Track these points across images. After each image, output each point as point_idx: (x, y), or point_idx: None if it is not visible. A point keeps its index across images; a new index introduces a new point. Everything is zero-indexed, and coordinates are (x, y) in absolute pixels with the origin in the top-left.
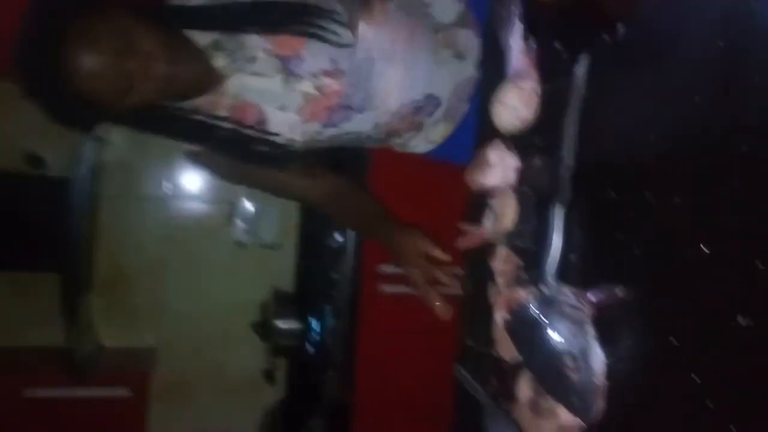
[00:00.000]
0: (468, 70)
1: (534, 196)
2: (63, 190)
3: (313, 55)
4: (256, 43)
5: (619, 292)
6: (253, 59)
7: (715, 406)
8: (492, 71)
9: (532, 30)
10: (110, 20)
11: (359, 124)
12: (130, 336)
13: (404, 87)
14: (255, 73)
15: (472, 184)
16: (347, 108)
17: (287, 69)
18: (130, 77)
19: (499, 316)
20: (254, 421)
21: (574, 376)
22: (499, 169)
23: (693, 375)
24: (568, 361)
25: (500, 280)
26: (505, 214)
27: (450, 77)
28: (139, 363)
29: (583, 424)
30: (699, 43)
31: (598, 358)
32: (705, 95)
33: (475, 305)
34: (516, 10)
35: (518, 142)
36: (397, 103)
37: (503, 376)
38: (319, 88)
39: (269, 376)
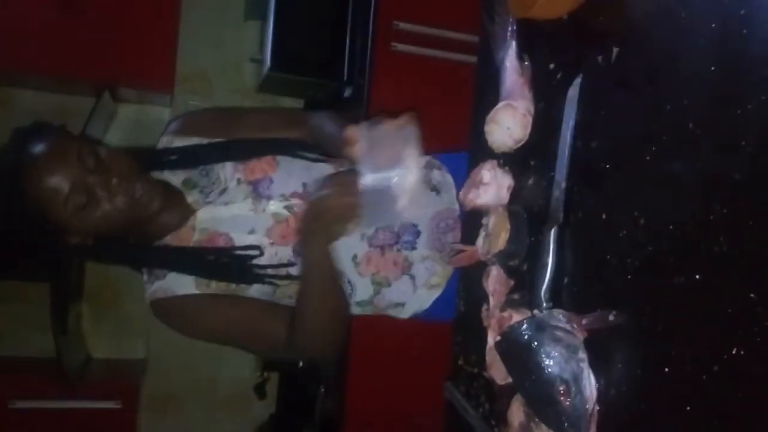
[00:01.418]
0: (445, 202)
1: (527, 216)
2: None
3: (284, 177)
4: (228, 174)
5: (612, 317)
6: (224, 190)
7: None
8: (486, 90)
9: (526, 50)
10: (79, 143)
11: (336, 257)
12: (120, 347)
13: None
14: (225, 203)
15: (466, 202)
16: None
17: (257, 191)
18: (91, 191)
19: (492, 338)
20: None
21: (566, 402)
22: (493, 187)
23: (686, 405)
24: (560, 387)
25: (493, 301)
26: (498, 233)
27: (426, 206)
28: (128, 374)
29: None
30: (692, 66)
31: (590, 384)
32: (698, 118)
33: (467, 325)
34: (510, 30)
35: (512, 162)
36: (371, 228)
37: (495, 399)
38: (288, 208)
39: (260, 390)
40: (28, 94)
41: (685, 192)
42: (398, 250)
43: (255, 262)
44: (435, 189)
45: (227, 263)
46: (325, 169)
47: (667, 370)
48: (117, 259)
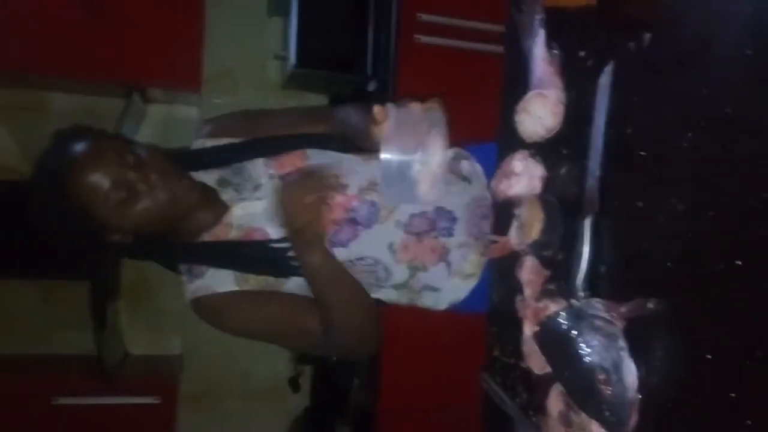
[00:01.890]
0: (477, 190)
1: (560, 206)
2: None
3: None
4: (261, 170)
5: (651, 304)
6: (258, 186)
7: (753, 423)
8: (515, 80)
9: (555, 38)
10: (118, 142)
11: (371, 246)
12: (157, 343)
13: None
14: (259, 198)
15: (498, 193)
16: (354, 223)
17: None
18: (131, 186)
19: (528, 328)
20: (280, 429)
21: (607, 391)
22: (525, 177)
23: (729, 391)
24: (600, 376)
25: (528, 291)
26: (531, 223)
27: (460, 194)
28: (166, 370)
29: None
30: (726, 51)
31: (630, 372)
32: (735, 102)
33: (502, 316)
34: (539, 18)
35: (544, 151)
36: (405, 215)
37: (533, 389)
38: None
39: (294, 383)
40: (60, 98)
41: (724, 178)
42: (435, 237)
43: (291, 254)
44: (465, 179)
45: (264, 256)
46: (355, 160)
47: (709, 357)
48: (157, 256)
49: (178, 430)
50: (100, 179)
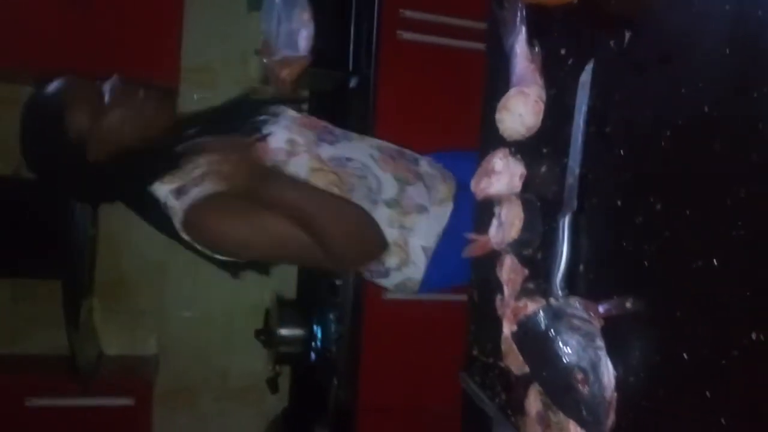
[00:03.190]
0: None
1: (540, 204)
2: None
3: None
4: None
5: (629, 303)
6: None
7: (728, 423)
8: (496, 78)
9: (536, 35)
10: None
11: (356, 152)
12: (132, 343)
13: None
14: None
15: (478, 191)
16: (332, 133)
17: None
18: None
19: (507, 327)
20: (257, 429)
21: (584, 390)
22: (505, 176)
23: (705, 390)
24: (578, 375)
25: (507, 290)
26: (511, 222)
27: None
28: (141, 370)
29: None
30: (704, 51)
31: (608, 372)
32: (713, 102)
33: (482, 315)
34: (520, 15)
35: (524, 150)
36: (374, 142)
37: (511, 388)
38: (302, 115)
39: (272, 383)
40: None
41: (701, 176)
42: (406, 163)
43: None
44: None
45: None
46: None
47: (685, 356)
48: (145, 167)
49: (154, 431)
50: (84, 92)
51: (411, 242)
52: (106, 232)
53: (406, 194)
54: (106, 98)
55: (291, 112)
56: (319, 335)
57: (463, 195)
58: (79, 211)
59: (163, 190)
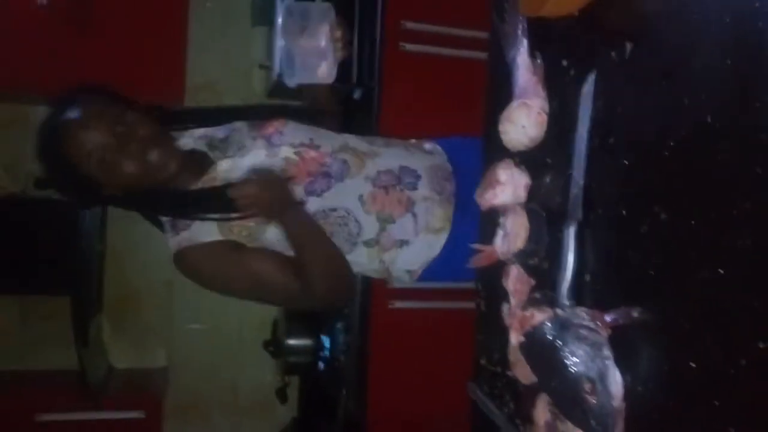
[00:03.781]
0: (438, 161)
1: (545, 214)
2: (71, 213)
3: (293, 131)
4: (245, 134)
5: (635, 313)
6: (242, 147)
7: (736, 431)
8: (498, 89)
9: (538, 47)
10: (109, 108)
11: (343, 197)
12: (142, 357)
13: (378, 157)
14: (243, 155)
15: (483, 202)
16: (327, 176)
17: (270, 141)
18: (112, 151)
19: (514, 337)
20: None
21: (593, 400)
22: (509, 187)
23: (713, 400)
24: (586, 385)
25: (514, 300)
26: (516, 233)
27: (421, 158)
28: (151, 384)
29: None
30: (707, 61)
31: (616, 381)
32: (716, 112)
33: (489, 325)
34: (521, 27)
35: (528, 160)
36: (373, 171)
37: (520, 398)
38: (298, 154)
39: (281, 394)
40: (43, 111)
41: (705, 186)
42: (401, 190)
43: None
44: (428, 152)
45: None
46: (328, 133)
47: (693, 365)
48: (144, 207)
49: None
50: (84, 141)
51: (393, 269)
52: (114, 249)
53: (386, 233)
54: (122, 141)
55: (288, 152)
56: (327, 345)
57: (461, 216)
58: (87, 227)
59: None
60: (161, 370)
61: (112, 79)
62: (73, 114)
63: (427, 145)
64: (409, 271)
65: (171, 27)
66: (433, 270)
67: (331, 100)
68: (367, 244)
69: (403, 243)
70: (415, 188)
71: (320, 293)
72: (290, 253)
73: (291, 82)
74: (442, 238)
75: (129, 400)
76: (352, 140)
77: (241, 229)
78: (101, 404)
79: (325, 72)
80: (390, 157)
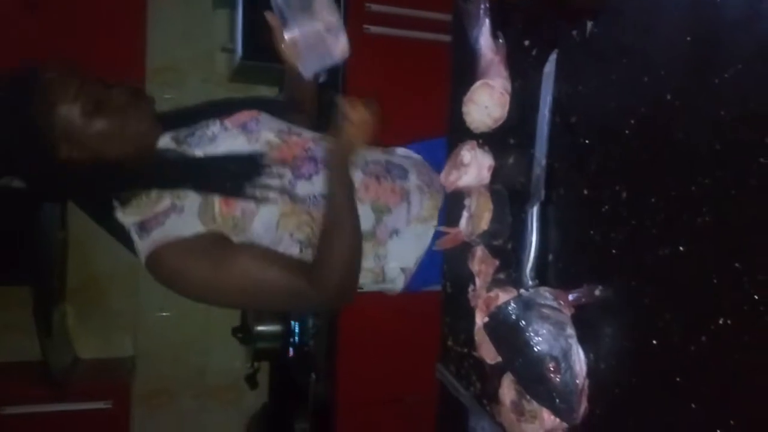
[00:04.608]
0: (418, 159)
1: (509, 195)
2: (29, 201)
3: (269, 120)
4: (215, 127)
5: (598, 291)
6: (214, 138)
7: (697, 407)
8: (462, 70)
9: (500, 27)
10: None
11: None
12: (108, 346)
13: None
14: (217, 146)
15: (448, 184)
16: (313, 160)
17: (247, 128)
18: (98, 100)
19: (480, 318)
20: (238, 426)
21: (557, 379)
22: (473, 168)
23: (675, 376)
24: (550, 364)
25: (479, 281)
26: (480, 214)
27: (402, 158)
28: (118, 373)
29: (567, 426)
30: (666, 37)
31: (579, 360)
32: (675, 89)
33: (455, 306)
34: (484, 8)
35: (491, 141)
36: (361, 160)
37: (486, 378)
38: (280, 138)
39: (251, 380)
40: None
41: (665, 164)
42: (392, 180)
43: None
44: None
45: (232, 170)
46: (304, 129)
47: (654, 342)
48: (114, 183)
49: None
50: (69, 82)
51: (387, 267)
52: (76, 237)
53: (382, 224)
54: (111, 101)
55: (269, 136)
56: (297, 330)
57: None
58: (46, 215)
59: (127, 220)
60: (128, 358)
61: (69, 59)
62: (43, 75)
63: (400, 150)
64: (403, 270)
65: (130, 8)
66: (424, 271)
67: (314, 100)
68: (364, 237)
69: (394, 233)
70: (406, 179)
71: (332, 285)
72: (277, 248)
73: (307, 72)
74: (430, 229)
75: (95, 390)
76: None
77: (226, 219)
78: (67, 395)
79: (344, 47)
80: (373, 152)
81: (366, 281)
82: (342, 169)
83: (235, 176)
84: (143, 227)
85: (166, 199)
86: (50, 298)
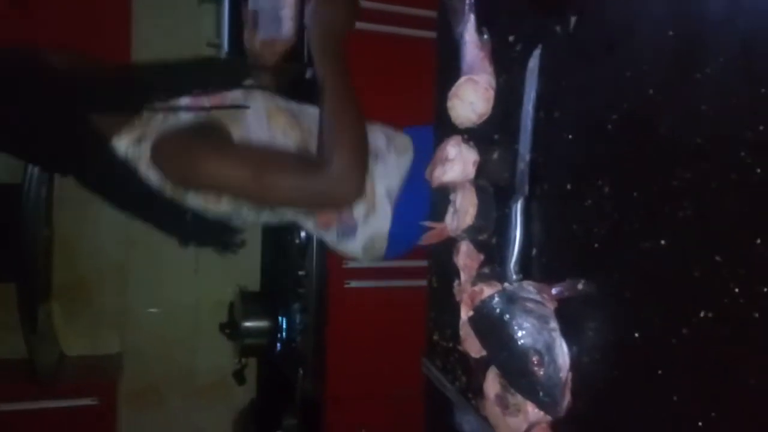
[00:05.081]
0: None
1: (494, 190)
2: (14, 196)
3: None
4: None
5: (581, 285)
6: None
7: (679, 400)
8: (447, 66)
9: (485, 23)
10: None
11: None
12: (95, 343)
13: None
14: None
15: (433, 180)
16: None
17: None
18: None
19: (465, 312)
20: (227, 423)
21: (540, 372)
22: (458, 163)
23: (657, 369)
24: (534, 358)
25: (464, 276)
26: (465, 209)
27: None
28: (105, 370)
29: (551, 419)
30: (649, 32)
31: (563, 353)
32: (658, 84)
33: (441, 301)
34: (468, 3)
35: (476, 136)
36: None
37: (471, 372)
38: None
39: (239, 376)
40: None
41: (647, 159)
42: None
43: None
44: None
45: (216, 69)
46: None
47: (637, 335)
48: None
49: (120, 430)
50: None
51: (375, 189)
52: (63, 233)
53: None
54: None
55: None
56: (285, 326)
57: (424, 148)
58: (31, 211)
59: (122, 144)
60: (115, 355)
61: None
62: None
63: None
64: (389, 194)
65: (115, 1)
66: (409, 208)
67: (273, 81)
68: None
69: (375, 156)
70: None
71: (340, 167)
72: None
73: (256, 40)
74: (407, 160)
75: (82, 387)
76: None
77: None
78: (52, 392)
79: (289, 28)
80: None
81: (359, 214)
82: (332, 55)
83: (222, 73)
84: (141, 139)
85: (159, 114)
86: (35, 296)
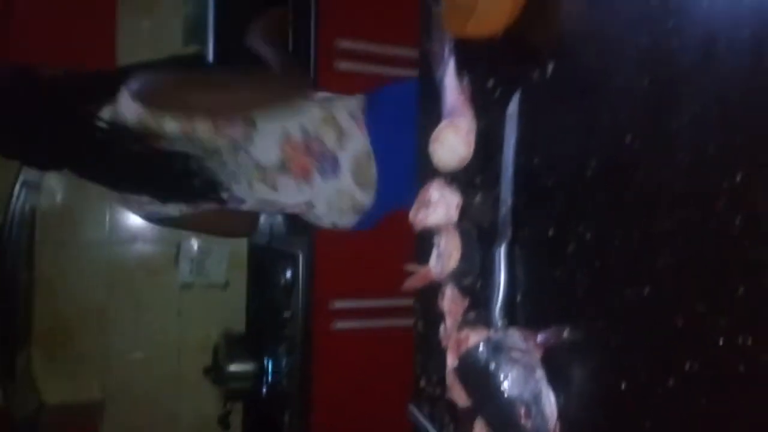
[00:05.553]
0: None
1: (477, 233)
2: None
3: None
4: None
5: (566, 333)
6: None
7: None
8: (428, 109)
9: (465, 67)
10: None
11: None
12: (75, 390)
13: None
14: None
15: (416, 223)
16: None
17: None
18: None
19: (451, 359)
20: None
21: (528, 425)
22: (441, 206)
23: (644, 420)
24: (521, 409)
25: (449, 321)
26: (449, 252)
27: None
28: (86, 417)
29: None
30: (626, 80)
31: (550, 403)
32: (634, 133)
33: (427, 346)
34: (448, 47)
35: (459, 179)
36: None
37: (458, 421)
38: None
39: (224, 421)
40: None
41: (627, 206)
42: None
43: None
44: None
45: None
46: None
47: (623, 385)
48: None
49: None
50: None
51: (335, 114)
52: (43, 276)
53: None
54: None
55: None
56: (270, 369)
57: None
58: (11, 253)
59: (106, 112)
60: (97, 402)
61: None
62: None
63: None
64: (351, 115)
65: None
66: (379, 145)
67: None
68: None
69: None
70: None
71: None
72: None
73: None
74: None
75: None
76: None
77: None
78: None
79: None
80: None
81: (331, 141)
82: None
83: None
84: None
85: None
86: (14, 341)
